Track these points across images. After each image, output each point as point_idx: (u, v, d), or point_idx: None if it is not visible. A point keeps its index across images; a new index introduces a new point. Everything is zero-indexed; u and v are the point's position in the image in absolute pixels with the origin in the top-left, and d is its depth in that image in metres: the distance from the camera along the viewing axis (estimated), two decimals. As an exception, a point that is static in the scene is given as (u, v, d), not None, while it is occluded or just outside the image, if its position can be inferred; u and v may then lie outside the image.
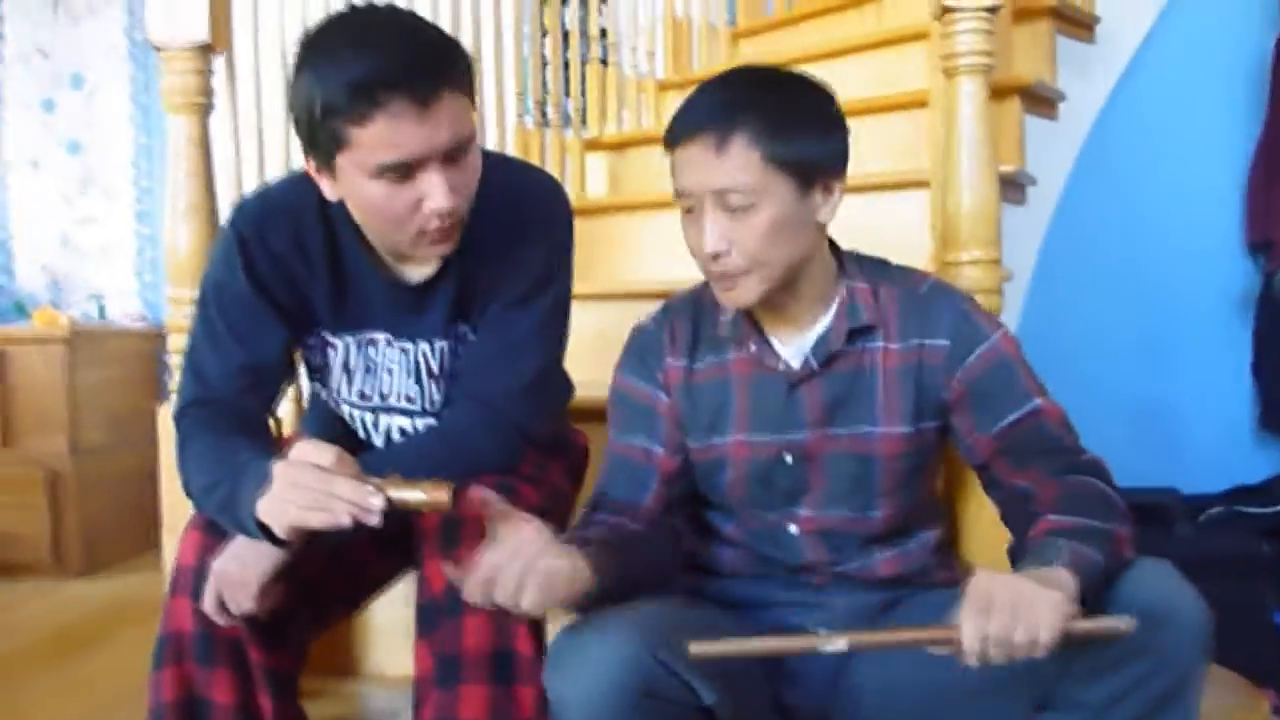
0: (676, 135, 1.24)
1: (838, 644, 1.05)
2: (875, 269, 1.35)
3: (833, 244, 1.34)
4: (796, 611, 1.34)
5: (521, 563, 1.06)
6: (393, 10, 1.25)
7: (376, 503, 1.08)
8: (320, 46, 1.20)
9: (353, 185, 1.23)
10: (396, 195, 1.21)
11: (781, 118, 1.20)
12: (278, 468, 1.13)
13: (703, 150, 1.20)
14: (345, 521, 1.09)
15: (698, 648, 1.05)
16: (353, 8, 1.26)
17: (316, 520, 1.10)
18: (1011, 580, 1.02)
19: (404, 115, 1.16)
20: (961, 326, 1.29)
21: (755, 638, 1.10)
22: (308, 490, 1.10)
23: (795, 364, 1.31)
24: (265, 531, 1.17)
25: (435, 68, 1.18)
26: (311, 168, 1.26)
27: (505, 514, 1.11)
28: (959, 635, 1.02)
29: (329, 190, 1.27)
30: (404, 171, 1.19)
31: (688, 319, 1.38)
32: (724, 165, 1.19)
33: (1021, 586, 1.01)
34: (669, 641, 1.10)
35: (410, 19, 1.24)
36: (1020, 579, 1.03)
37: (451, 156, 1.21)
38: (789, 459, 1.32)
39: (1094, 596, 1.08)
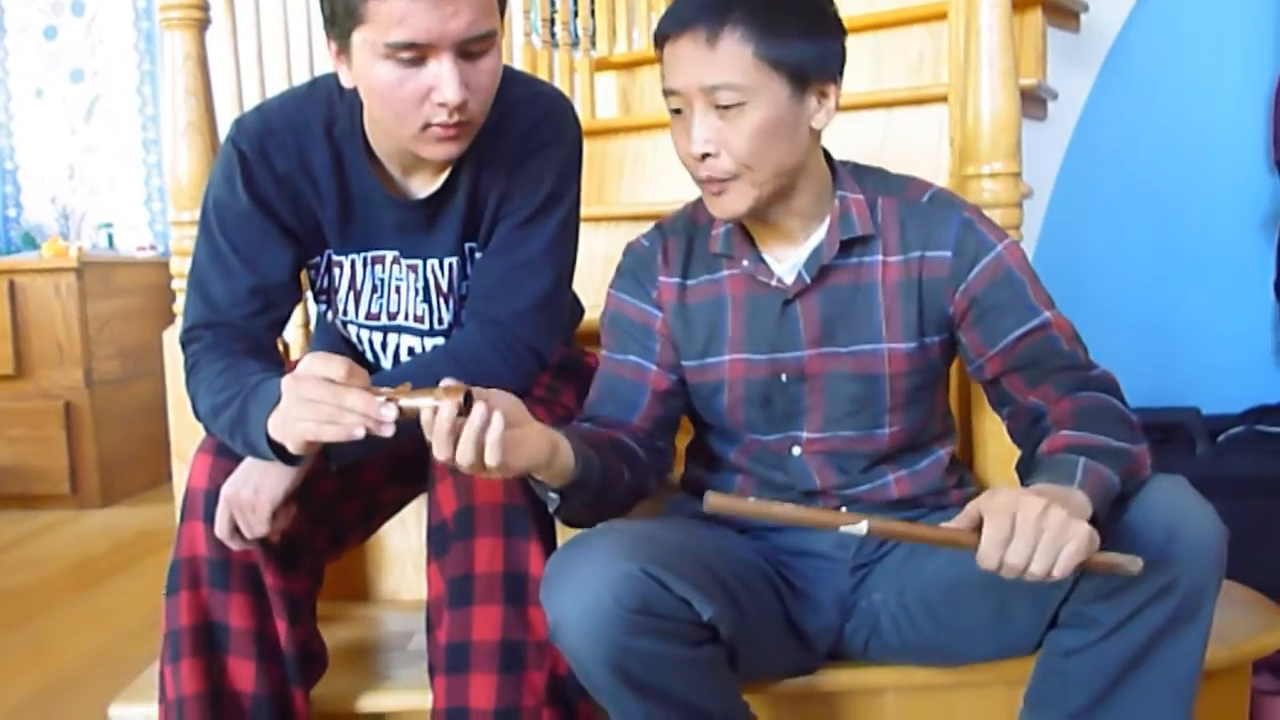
0: (666, 31, 1.21)
1: (858, 526, 1.02)
2: (873, 179, 1.31)
3: (828, 156, 1.31)
4: (809, 536, 1.33)
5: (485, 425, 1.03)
6: None
7: (388, 413, 1.05)
8: None
9: (364, 67, 1.19)
10: (406, 81, 1.18)
11: (775, 14, 1.16)
12: (286, 382, 1.10)
13: (693, 45, 1.17)
14: (358, 433, 1.06)
15: (715, 499, 1.03)
16: None
17: (329, 434, 1.07)
18: (1037, 502, 0.98)
19: None
20: (964, 237, 1.26)
21: (775, 503, 1.06)
22: (318, 404, 1.07)
23: (789, 279, 1.28)
24: (277, 450, 1.15)
25: None
26: (332, 51, 1.24)
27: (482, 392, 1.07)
28: (975, 542, 1.00)
29: (345, 76, 1.24)
30: (415, 55, 1.16)
31: (682, 236, 1.35)
32: (715, 61, 1.16)
33: (1049, 514, 0.97)
34: (665, 558, 1.09)
35: None
36: (1046, 499, 0.99)
37: (467, 51, 1.18)
38: (784, 378, 1.30)
39: (1106, 516, 1.06)
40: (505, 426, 1.04)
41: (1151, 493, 1.10)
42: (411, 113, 1.20)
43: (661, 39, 1.22)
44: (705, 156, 1.20)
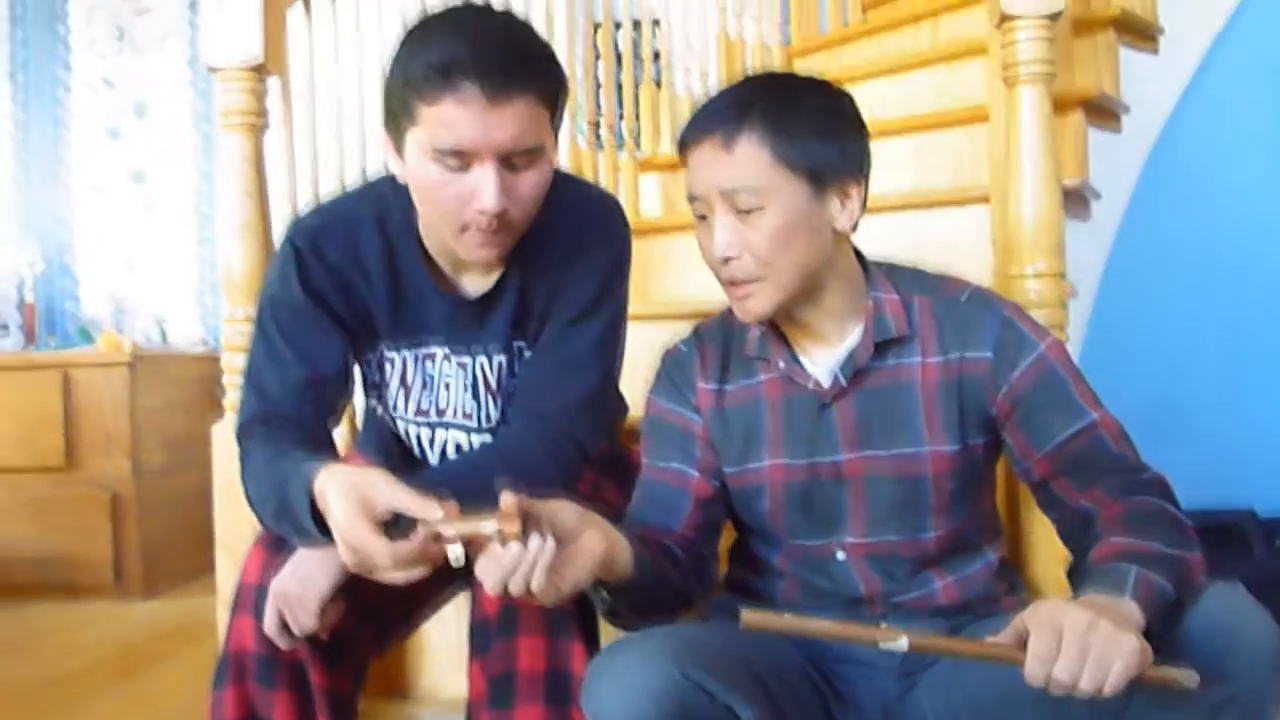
0: (687, 138, 1.24)
1: (898, 642, 1.01)
2: (908, 279, 1.31)
3: (861, 256, 1.31)
4: (855, 644, 1.30)
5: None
6: (502, 12, 1.28)
7: (457, 554, 1.08)
8: (423, 27, 1.24)
9: (414, 164, 1.24)
10: (449, 183, 1.22)
11: (790, 118, 1.19)
12: (343, 550, 1.13)
13: (711, 150, 1.20)
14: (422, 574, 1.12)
15: (750, 616, 1.02)
16: (466, 3, 1.29)
17: (399, 579, 1.13)
18: (1083, 615, 0.96)
19: (470, 103, 1.17)
20: (1005, 336, 1.25)
21: (812, 619, 1.05)
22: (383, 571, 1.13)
23: (825, 382, 1.28)
24: (322, 528, 1.17)
25: (515, 68, 1.19)
26: (389, 146, 1.29)
27: (531, 504, 1.08)
28: (1021, 659, 0.98)
29: (399, 170, 1.29)
30: (459, 160, 1.21)
31: (719, 341, 1.36)
32: (732, 164, 1.19)
33: (1096, 628, 0.95)
34: (706, 661, 1.08)
35: (513, 22, 1.27)
36: (1093, 612, 0.97)
37: (511, 161, 1.22)
38: (824, 481, 1.28)
39: (1160, 627, 1.03)
40: (563, 541, 1.07)
41: (1208, 601, 1.06)
42: (452, 213, 1.24)
43: (683, 146, 1.25)
44: (728, 259, 1.21)
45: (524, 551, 1.04)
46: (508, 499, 1.05)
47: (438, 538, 1.08)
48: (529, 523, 1.06)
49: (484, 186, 1.21)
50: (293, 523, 1.21)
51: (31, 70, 4.37)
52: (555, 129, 1.28)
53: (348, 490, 1.12)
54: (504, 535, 1.05)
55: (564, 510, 1.10)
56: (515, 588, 1.05)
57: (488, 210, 1.21)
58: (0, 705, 2.43)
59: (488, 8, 1.28)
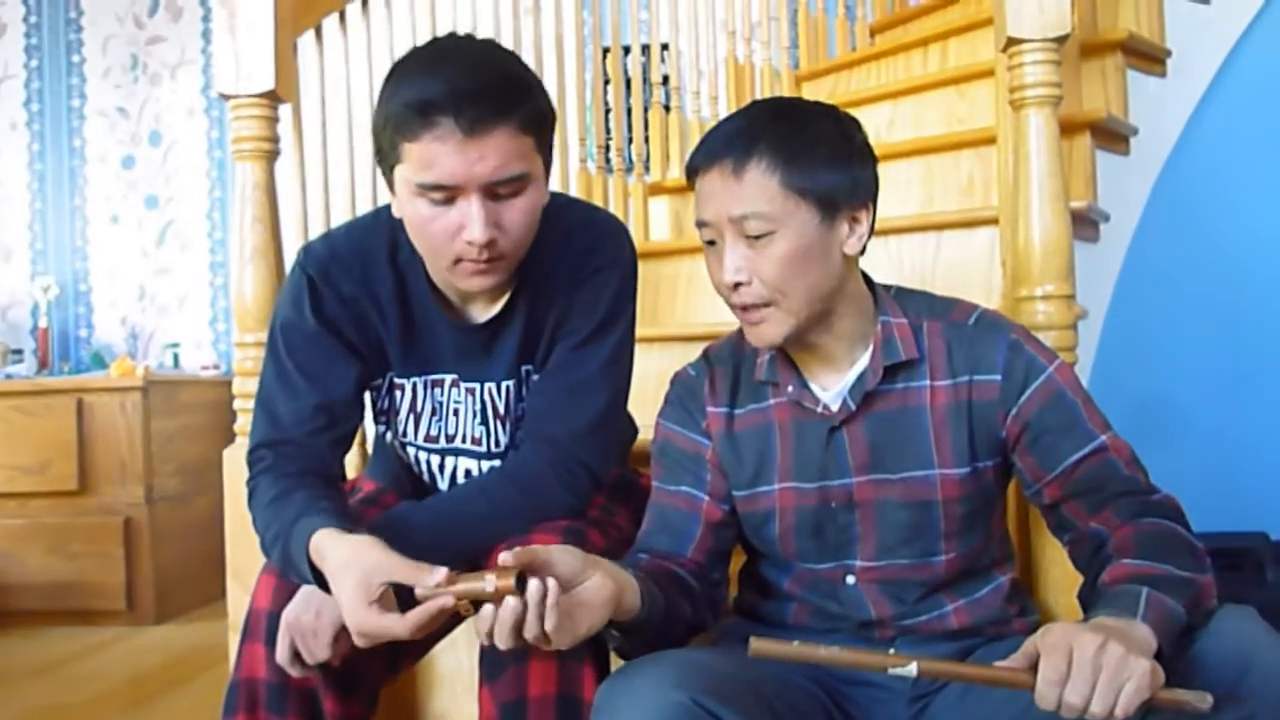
0: (696, 164, 1.24)
1: (907, 668, 1.01)
2: (917, 303, 1.31)
3: (869, 280, 1.32)
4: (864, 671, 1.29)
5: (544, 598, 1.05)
6: (481, 43, 1.29)
7: (464, 607, 1.09)
8: (404, 64, 1.25)
9: (404, 201, 1.26)
10: (437, 218, 1.23)
11: (799, 145, 1.19)
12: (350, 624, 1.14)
13: (720, 177, 1.20)
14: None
15: (759, 645, 1.02)
16: (449, 35, 1.30)
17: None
18: (1094, 638, 0.96)
19: (448, 139, 1.18)
20: (1013, 360, 1.25)
21: (821, 646, 1.05)
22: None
23: (834, 406, 1.28)
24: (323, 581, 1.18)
25: (492, 100, 1.19)
26: (387, 184, 1.30)
27: (531, 555, 1.08)
28: (1031, 683, 0.98)
29: (395, 206, 1.30)
30: (444, 195, 1.22)
31: (728, 365, 1.36)
32: (741, 191, 1.19)
33: (1107, 650, 0.95)
34: (716, 688, 1.07)
35: (490, 52, 1.27)
36: (1104, 635, 0.97)
37: (496, 191, 1.22)
38: (834, 506, 1.28)
39: (1172, 650, 1.03)
40: (567, 589, 1.06)
41: (1220, 624, 1.06)
42: (443, 247, 1.25)
43: (692, 172, 1.25)
44: (738, 285, 1.21)
45: (520, 604, 1.04)
46: (504, 556, 1.05)
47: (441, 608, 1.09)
48: (527, 574, 1.06)
49: (470, 219, 1.21)
50: (295, 573, 1.23)
51: (46, 99, 4.42)
52: (544, 154, 1.28)
53: (347, 570, 1.13)
54: (500, 591, 1.05)
55: (565, 555, 1.10)
56: (530, 634, 1.05)
57: (475, 241, 1.22)
58: (13, 732, 2.44)
59: (468, 39, 1.28)
